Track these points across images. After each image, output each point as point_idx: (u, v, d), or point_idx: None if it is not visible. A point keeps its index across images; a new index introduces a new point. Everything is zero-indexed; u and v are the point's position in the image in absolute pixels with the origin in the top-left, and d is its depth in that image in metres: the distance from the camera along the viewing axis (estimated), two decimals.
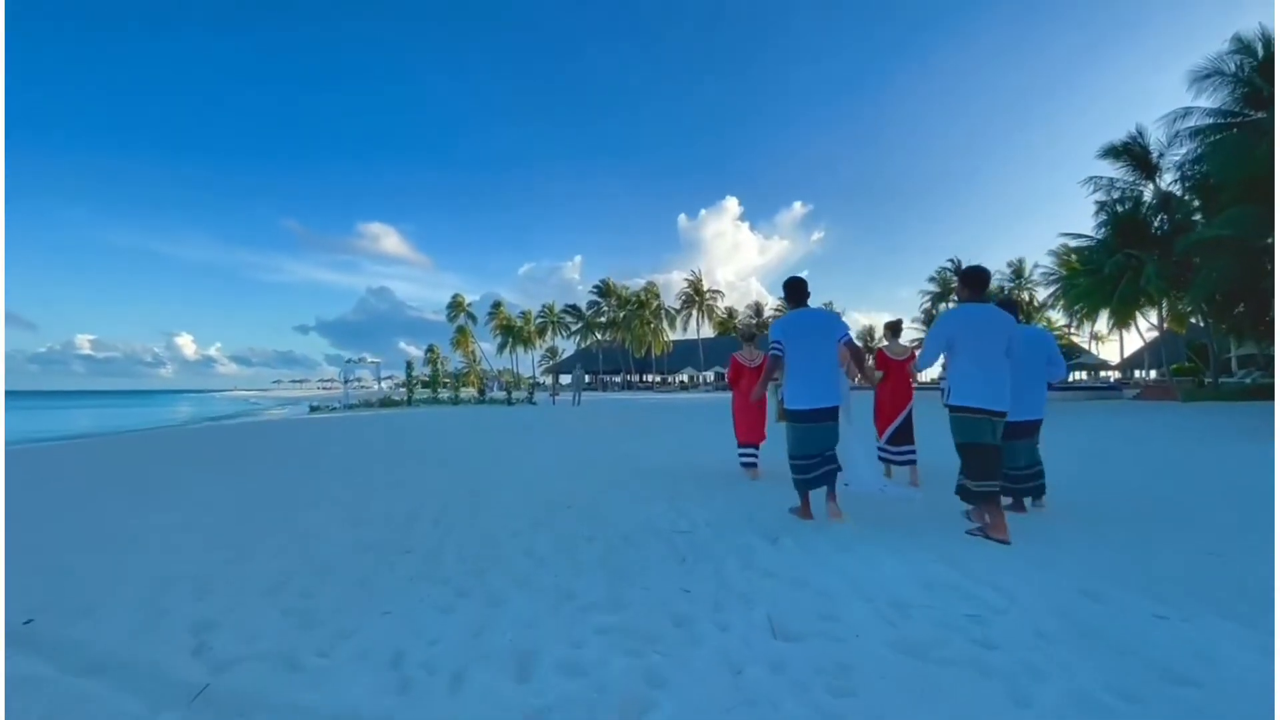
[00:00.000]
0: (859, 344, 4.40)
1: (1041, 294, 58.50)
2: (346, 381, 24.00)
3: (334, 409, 22.68)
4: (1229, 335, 20.55)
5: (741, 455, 5.85)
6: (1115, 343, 58.66)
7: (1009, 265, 62.23)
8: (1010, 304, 4.16)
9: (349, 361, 24.34)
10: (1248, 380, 28.90)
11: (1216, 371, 29.40)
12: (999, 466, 3.59)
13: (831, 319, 4.12)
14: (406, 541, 3.72)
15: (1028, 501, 4.20)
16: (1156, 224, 26.10)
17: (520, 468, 7.00)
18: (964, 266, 4.94)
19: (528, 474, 6.45)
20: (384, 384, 25.05)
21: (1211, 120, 22.86)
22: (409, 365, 23.68)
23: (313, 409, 22.58)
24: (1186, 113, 23.43)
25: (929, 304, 65.32)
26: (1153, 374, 45.26)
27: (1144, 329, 50.86)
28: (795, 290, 4.17)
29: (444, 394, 23.86)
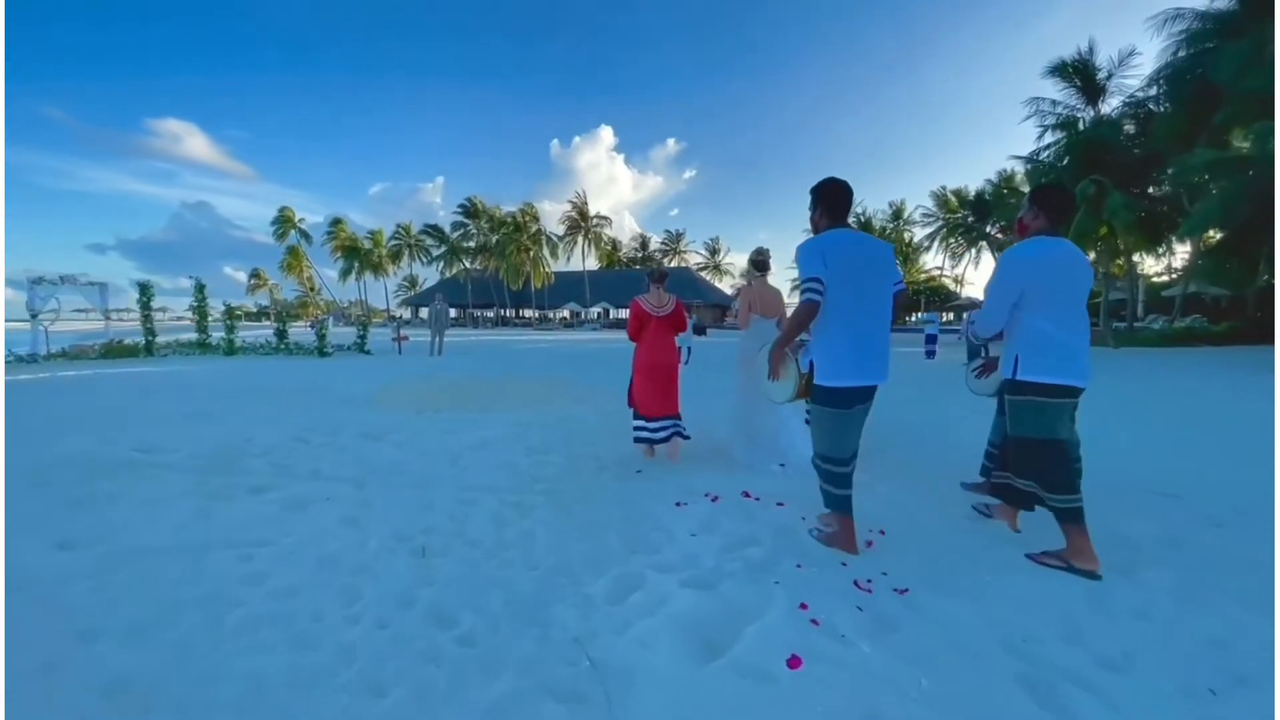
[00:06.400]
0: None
1: (919, 234, 59.42)
2: (34, 315, 14.34)
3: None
4: (1236, 274, 17.98)
5: (638, 431, 4.39)
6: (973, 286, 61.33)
7: (890, 205, 62.09)
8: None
9: (38, 282, 14.51)
10: (1156, 325, 28.68)
11: (1133, 316, 28.83)
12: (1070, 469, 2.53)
13: (889, 252, 2.65)
14: None
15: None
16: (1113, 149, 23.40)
17: None
18: (1041, 185, 2.82)
19: None
20: (187, 317, 15.66)
21: (1201, 25, 19.80)
22: (143, 288, 14.44)
23: None
24: (1178, 14, 20.20)
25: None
26: None
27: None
28: (836, 198, 2.64)
29: (215, 337, 15.14)
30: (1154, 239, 22.47)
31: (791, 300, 4.15)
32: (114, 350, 14.47)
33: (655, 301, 4.50)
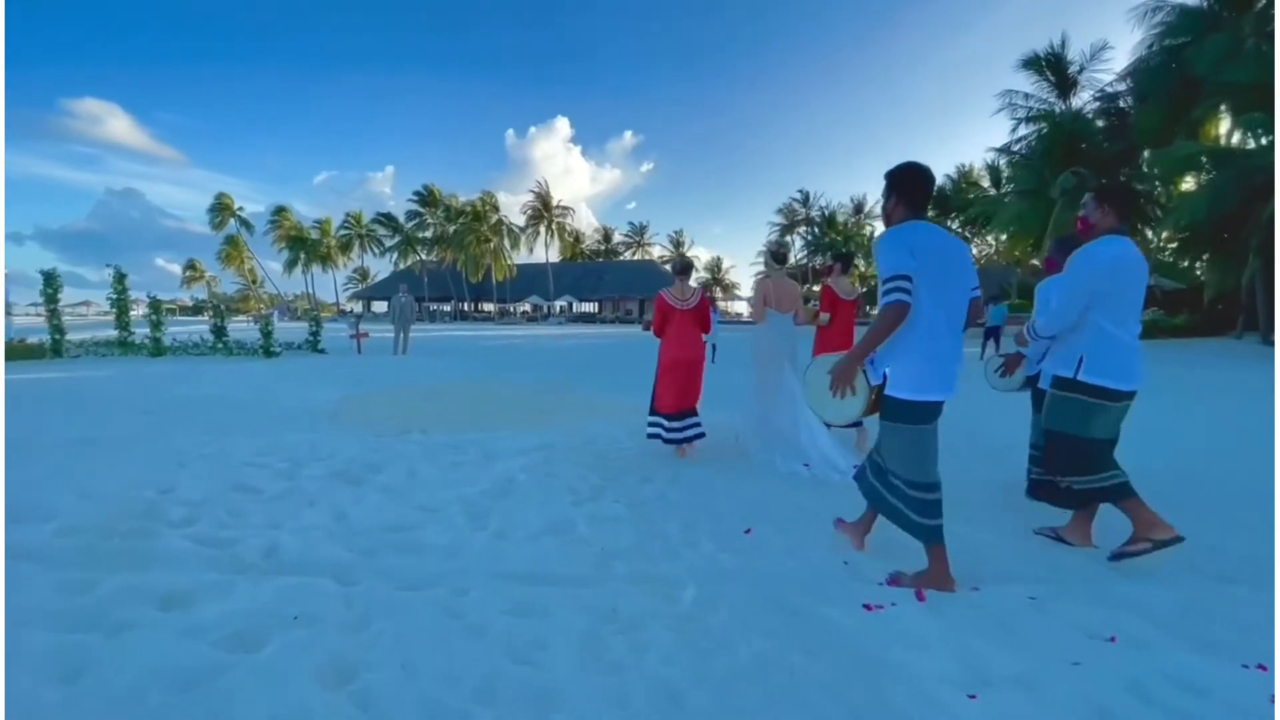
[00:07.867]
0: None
1: (881, 228, 59.97)
2: None
3: None
4: (1213, 270, 18.01)
5: (653, 428, 4.37)
6: None
7: (851, 199, 62.45)
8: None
9: None
10: None
11: None
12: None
13: (969, 253, 2.31)
14: None
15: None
16: (1086, 143, 23.43)
17: None
18: (1103, 182, 3.08)
19: None
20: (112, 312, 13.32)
21: (1178, 19, 19.81)
22: (48, 279, 12.17)
23: None
24: (1158, 6, 20.18)
25: (775, 236, 63.66)
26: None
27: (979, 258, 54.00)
28: (916, 185, 2.26)
29: (140, 335, 13.07)
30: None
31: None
32: (14, 351, 12.26)
33: (679, 295, 4.42)
